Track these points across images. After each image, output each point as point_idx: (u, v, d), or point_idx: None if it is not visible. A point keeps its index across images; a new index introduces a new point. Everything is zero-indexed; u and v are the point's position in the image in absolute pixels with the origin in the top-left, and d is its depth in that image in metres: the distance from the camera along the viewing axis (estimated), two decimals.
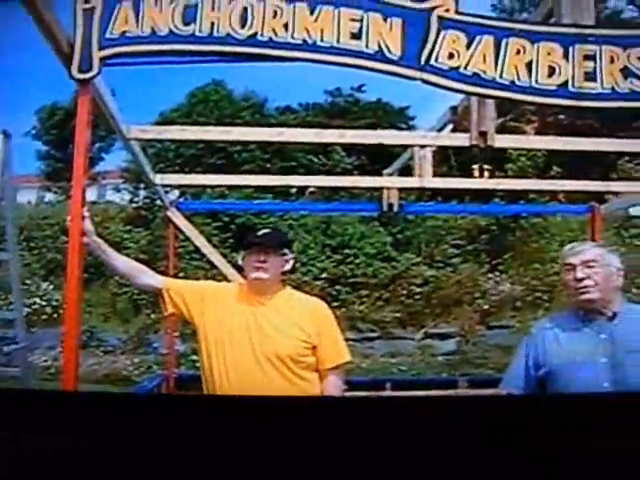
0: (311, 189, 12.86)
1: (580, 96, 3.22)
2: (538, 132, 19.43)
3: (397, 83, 3.26)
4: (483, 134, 4.22)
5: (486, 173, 16.73)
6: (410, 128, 18.56)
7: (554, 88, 3.20)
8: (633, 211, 18.17)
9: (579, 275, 2.85)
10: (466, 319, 11.82)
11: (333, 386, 3.25)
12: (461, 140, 4.54)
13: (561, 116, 22.15)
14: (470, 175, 14.96)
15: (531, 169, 16.06)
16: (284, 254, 3.31)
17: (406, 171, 6.57)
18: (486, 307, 12.05)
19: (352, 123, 17.04)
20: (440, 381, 7.95)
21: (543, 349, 2.89)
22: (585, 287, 2.83)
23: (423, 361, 11.18)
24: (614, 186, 6.58)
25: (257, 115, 18.27)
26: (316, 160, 16.66)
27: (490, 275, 12.76)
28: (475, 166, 17.72)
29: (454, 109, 4.74)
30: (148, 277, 3.35)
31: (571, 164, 16.16)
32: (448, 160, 14.96)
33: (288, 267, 3.34)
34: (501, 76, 3.17)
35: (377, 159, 8.65)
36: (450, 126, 5.17)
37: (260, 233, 3.38)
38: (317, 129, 5.31)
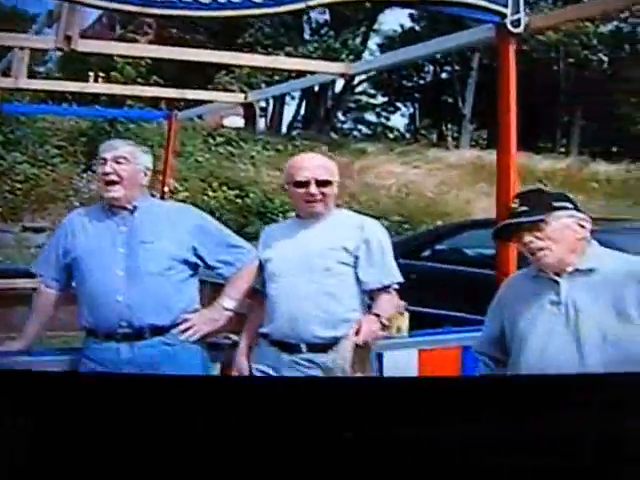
0: None
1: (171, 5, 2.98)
2: (151, 43, 20.57)
3: None
4: (68, 38, 4.19)
5: (100, 80, 17.60)
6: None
7: None
8: (227, 122, 20.37)
9: (107, 169, 2.91)
10: (58, 215, 12.81)
11: None
12: (47, 43, 4.61)
13: (174, 30, 23.68)
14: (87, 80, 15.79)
15: (140, 78, 17.17)
16: None
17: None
18: (77, 204, 13.02)
19: None
20: (23, 270, 8.72)
21: (72, 237, 2.96)
22: (111, 182, 2.91)
23: (20, 253, 11.95)
24: (189, 94, 6.96)
25: None
26: None
27: (84, 175, 13.88)
28: (91, 73, 18.52)
29: (51, 13, 4.64)
30: None
31: (176, 74, 17.63)
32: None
33: None
34: None
35: None
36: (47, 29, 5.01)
37: None
38: None
